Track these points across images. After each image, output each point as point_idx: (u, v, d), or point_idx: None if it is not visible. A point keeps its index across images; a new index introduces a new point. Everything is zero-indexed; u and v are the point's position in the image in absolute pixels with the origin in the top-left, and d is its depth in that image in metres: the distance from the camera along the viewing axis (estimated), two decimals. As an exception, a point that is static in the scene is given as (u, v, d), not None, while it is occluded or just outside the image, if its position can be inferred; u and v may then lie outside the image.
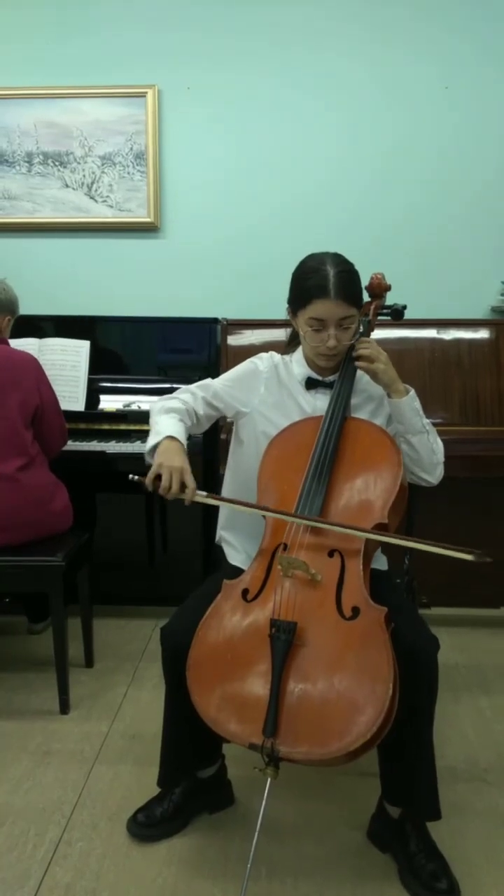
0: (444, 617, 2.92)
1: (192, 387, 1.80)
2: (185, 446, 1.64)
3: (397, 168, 3.17)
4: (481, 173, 3.15)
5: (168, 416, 1.69)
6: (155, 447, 1.62)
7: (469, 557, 1.41)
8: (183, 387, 1.80)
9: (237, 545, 1.85)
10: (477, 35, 3.08)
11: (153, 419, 1.70)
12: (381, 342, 2.77)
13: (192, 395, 1.77)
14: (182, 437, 1.65)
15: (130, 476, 1.57)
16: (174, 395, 1.77)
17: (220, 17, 3.12)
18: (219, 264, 3.24)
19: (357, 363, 1.70)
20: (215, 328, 3.02)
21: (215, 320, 3.02)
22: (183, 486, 1.55)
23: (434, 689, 1.55)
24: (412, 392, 1.70)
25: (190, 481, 1.55)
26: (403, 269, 3.03)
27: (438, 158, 3.16)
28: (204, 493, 1.58)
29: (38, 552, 2.24)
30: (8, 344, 2.40)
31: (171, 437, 1.62)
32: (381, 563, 1.82)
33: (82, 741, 2.11)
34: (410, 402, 1.69)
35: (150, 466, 1.58)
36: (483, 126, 3.13)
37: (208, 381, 1.82)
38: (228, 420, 1.87)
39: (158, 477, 1.55)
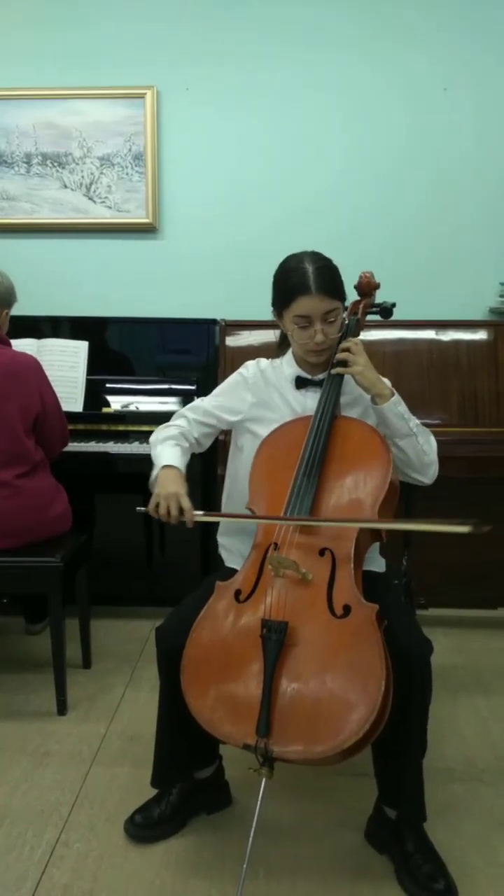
0: (442, 618, 2.91)
1: (184, 410, 1.86)
2: (183, 471, 1.71)
3: (398, 170, 3.17)
4: (481, 175, 3.15)
5: (164, 444, 1.77)
6: (155, 479, 1.70)
7: (464, 529, 1.38)
8: (176, 412, 1.88)
9: (234, 549, 1.85)
10: (482, 37, 3.07)
11: (153, 452, 1.78)
12: (380, 343, 2.83)
13: (185, 420, 1.84)
14: (178, 463, 1.72)
15: (138, 508, 1.68)
16: (169, 423, 1.84)
17: (220, 18, 3.12)
18: (217, 265, 3.24)
19: (334, 370, 1.70)
20: (214, 329, 3.02)
21: (214, 321, 3.03)
22: (181, 511, 1.60)
23: (427, 691, 1.55)
24: (395, 397, 1.69)
25: (186, 504, 1.61)
26: (402, 270, 3.05)
27: (439, 161, 3.16)
28: (201, 513, 1.65)
29: (37, 553, 2.24)
30: (9, 344, 2.35)
31: (166, 467, 1.69)
32: (378, 565, 1.83)
33: (80, 742, 2.11)
34: (393, 407, 1.67)
35: None
36: (485, 128, 3.13)
37: (197, 402, 1.88)
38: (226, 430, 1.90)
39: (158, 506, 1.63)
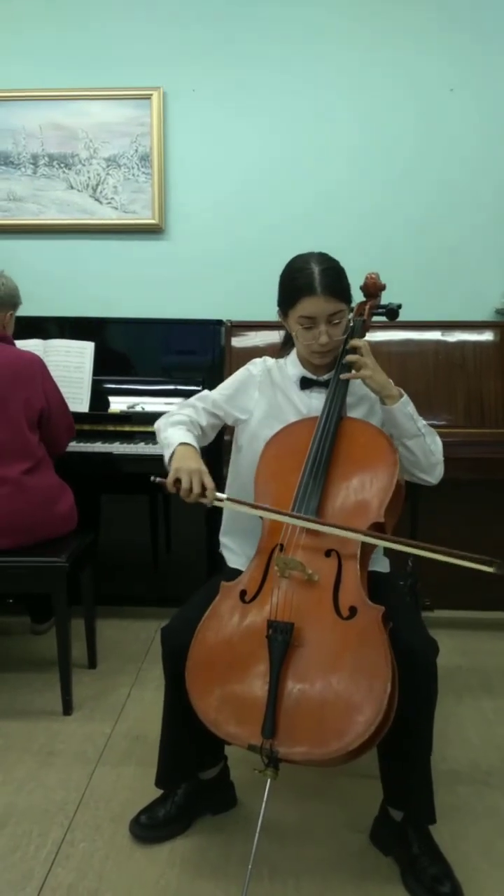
0: (448, 619, 2.91)
1: (192, 400, 1.84)
2: (199, 452, 1.67)
3: (403, 171, 3.16)
4: (487, 175, 3.14)
5: (175, 427, 1.73)
6: (171, 456, 1.64)
7: (489, 569, 1.38)
8: (182, 401, 1.85)
9: (236, 549, 1.85)
10: (488, 38, 3.06)
11: (162, 434, 1.74)
12: (385, 344, 2.83)
13: (193, 409, 1.81)
14: (195, 444, 1.68)
15: (152, 478, 1.59)
16: (175, 410, 1.80)
17: (226, 19, 3.12)
18: (223, 266, 3.24)
19: (343, 375, 1.69)
20: (220, 329, 3.02)
21: (220, 322, 3.03)
22: (203, 488, 1.56)
23: (432, 692, 1.54)
24: (404, 397, 1.68)
25: (209, 482, 1.57)
26: (408, 271, 3.06)
27: (444, 162, 3.15)
28: (224, 496, 1.60)
29: (42, 553, 2.25)
30: (13, 343, 2.39)
31: (184, 444, 1.66)
32: (383, 565, 1.82)
33: (85, 742, 2.11)
34: (402, 408, 1.67)
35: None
36: (491, 129, 3.12)
37: (205, 392, 1.86)
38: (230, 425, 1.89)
39: (178, 481, 1.56)
